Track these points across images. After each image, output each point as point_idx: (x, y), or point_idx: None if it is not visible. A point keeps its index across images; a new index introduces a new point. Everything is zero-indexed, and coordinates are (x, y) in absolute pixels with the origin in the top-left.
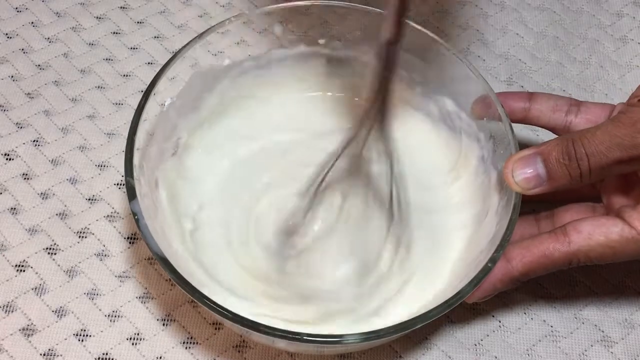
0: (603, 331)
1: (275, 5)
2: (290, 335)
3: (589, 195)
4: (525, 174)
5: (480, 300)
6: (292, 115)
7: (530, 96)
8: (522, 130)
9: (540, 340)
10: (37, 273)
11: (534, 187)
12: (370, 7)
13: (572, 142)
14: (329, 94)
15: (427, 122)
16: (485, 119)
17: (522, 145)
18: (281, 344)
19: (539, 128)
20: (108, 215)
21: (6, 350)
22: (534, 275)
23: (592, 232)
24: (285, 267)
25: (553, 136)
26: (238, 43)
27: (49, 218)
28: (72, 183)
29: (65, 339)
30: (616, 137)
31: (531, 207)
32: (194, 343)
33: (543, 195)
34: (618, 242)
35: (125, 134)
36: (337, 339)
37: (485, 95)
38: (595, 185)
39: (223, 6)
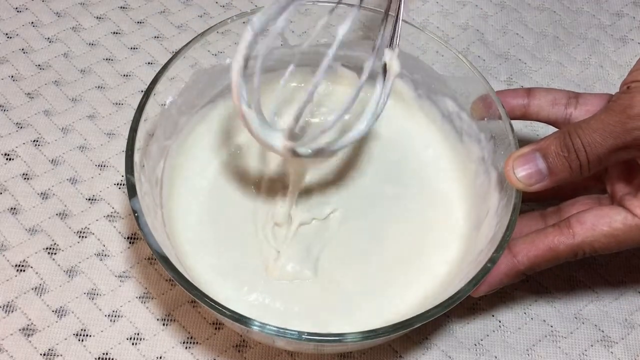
0: (603, 331)
1: (275, 5)
2: (290, 334)
3: (594, 188)
4: (526, 171)
5: (487, 294)
6: None
7: (529, 92)
8: (523, 130)
9: (540, 340)
10: (37, 273)
11: (535, 183)
12: (370, 7)
13: (569, 134)
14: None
15: (427, 122)
16: (485, 119)
17: (523, 145)
18: (281, 343)
19: (539, 128)
20: (108, 215)
21: (6, 350)
22: (540, 269)
23: (595, 223)
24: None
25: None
26: (238, 43)
27: (49, 218)
28: (72, 183)
29: (65, 339)
30: (609, 125)
31: (531, 207)
32: (194, 343)
33: (549, 193)
34: (621, 230)
35: (125, 134)
36: (336, 338)
37: (485, 95)
38: (600, 177)
39: (223, 6)
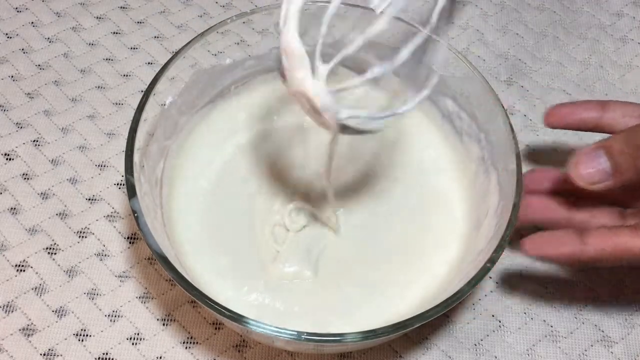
0: (603, 331)
1: (275, 5)
2: (290, 334)
3: None
4: (589, 169)
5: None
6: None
7: (603, 105)
8: (523, 130)
9: (540, 340)
10: (37, 273)
11: (599, 182)
12: (370, 7)
13: (635, 132)
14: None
15: (427, 122)
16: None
17: (523, 145)
18: (281, 343)
19: (539, 128)
20: (108, 215)
21: (6, 350)
22: (601, 265)
23: None
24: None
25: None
26: (238, 43)
27: (49, 218)
28: (72, 183)
29: (65, 339)
30: None
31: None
32: (194, 343)
33: (616, 196)
34: None
35: (125, 134)
36: (336, 338)
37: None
38: None
39: (223, 6)
